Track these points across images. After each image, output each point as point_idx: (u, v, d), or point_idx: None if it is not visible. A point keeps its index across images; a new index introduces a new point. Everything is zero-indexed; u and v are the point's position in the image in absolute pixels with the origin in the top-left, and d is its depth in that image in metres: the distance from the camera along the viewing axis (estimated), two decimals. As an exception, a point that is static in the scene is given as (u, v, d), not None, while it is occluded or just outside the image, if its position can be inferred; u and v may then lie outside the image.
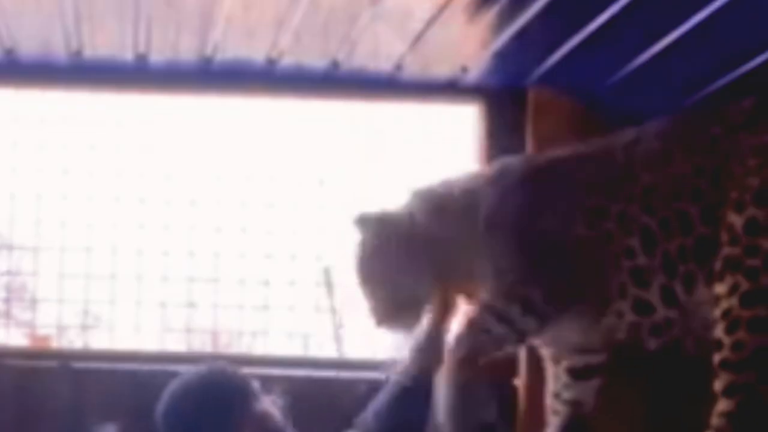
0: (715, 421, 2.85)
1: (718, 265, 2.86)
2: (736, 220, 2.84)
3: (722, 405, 2.84)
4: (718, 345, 2.83)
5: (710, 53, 3.11)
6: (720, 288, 2.85)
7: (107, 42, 3.53)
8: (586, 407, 3.25)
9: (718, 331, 2.83)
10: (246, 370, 3.24)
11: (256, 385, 3.22)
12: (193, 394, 3.18)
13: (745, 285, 2.81)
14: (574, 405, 3.25)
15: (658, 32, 3.07)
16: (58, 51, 3.57)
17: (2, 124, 3.96)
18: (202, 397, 3.17)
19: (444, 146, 4.01)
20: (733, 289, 2.83)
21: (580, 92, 3.63)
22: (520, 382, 3.60)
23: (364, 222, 3.24)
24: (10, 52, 3.58)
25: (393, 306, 3.19)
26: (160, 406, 3.18)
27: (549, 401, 3.29)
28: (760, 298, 2.80)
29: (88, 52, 3.59)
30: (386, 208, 3.26)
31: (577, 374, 3.24)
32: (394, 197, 3.30)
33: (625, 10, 2.95)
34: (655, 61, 3.22)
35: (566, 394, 3.25)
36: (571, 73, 3.49)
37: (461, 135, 3.94)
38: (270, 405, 3.23)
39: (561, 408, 3.26)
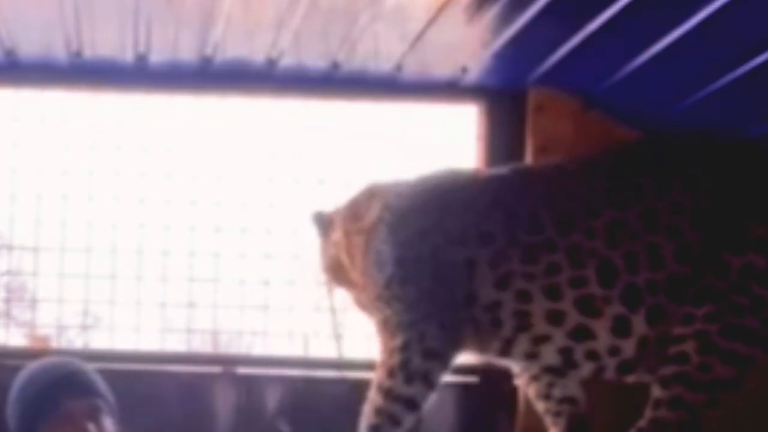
0: (644, 424, 2.94)
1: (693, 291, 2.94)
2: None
3: (660, 413, 2.93)
4: (682, 358, 2.92)
5: (710, 53, 3.11)
6: (695, 310, 2.92)
7: (107, 42, 3.53)
8: (582, 404, 3.23)
9: (686, 347, 2.91)
10: (246, 370, 3.23)
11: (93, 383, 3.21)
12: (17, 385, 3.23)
13: (730, 318, 2.90)
14: (571, 403, 3.23)
15: (658, 32, 3.07)
16: (58, 51, 3.58)
17: (2, 124, 3.96)
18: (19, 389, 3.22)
19: (444, 146, 4.00)
20: (713, 317, 2.90)
21: (580, 92, 3.63)
22: (520, 382, 3.59)
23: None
24: (10, 53, 3.58)
25: None
26: None
27: (540, 405, 3.25)
28: (741, 336, 2.90)
29: (88, 53, 3.59)
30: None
31: (556, 371, 3.19)
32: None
33: (625, 10, 2.95)
34: (655, 61, 3.22)
35: (557, 393, 3.22)
36: (571, 73, 3.49)
37: (461, 135, 3.94)
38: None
39: (557, 407, 3.22)
